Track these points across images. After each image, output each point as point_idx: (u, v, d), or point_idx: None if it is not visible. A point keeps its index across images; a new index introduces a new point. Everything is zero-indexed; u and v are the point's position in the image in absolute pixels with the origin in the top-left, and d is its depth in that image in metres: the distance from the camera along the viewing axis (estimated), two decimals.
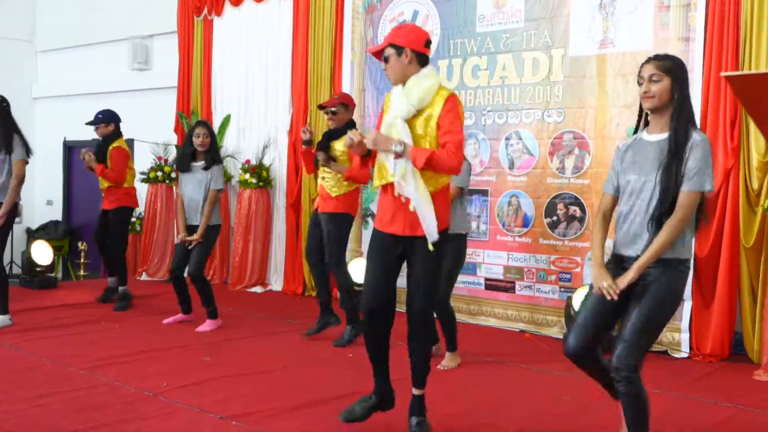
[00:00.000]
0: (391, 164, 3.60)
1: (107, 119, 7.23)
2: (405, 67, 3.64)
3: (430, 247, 3.59)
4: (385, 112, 3.76)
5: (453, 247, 5.03)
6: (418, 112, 3.61)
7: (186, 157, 6.43)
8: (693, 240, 3.23)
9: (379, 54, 3.72)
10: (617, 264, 3.33)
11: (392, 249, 3.72)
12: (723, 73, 5.52)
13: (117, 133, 7.27)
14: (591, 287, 3.39)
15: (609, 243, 3.41)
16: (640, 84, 3.27)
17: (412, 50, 3.63)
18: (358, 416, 3.80)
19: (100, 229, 7.40)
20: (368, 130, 3.74)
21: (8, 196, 6.12)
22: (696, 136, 3.15)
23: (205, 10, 9.36)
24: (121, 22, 10.70)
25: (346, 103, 5.95)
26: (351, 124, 5.88)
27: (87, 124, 7.35)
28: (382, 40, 7.50)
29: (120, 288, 7.31)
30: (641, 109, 3.36)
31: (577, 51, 6.42)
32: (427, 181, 3.58)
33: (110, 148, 7.14)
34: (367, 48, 7.70)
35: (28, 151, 6.27)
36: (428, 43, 3.72)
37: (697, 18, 5.81)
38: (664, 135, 3.23)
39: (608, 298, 3.19)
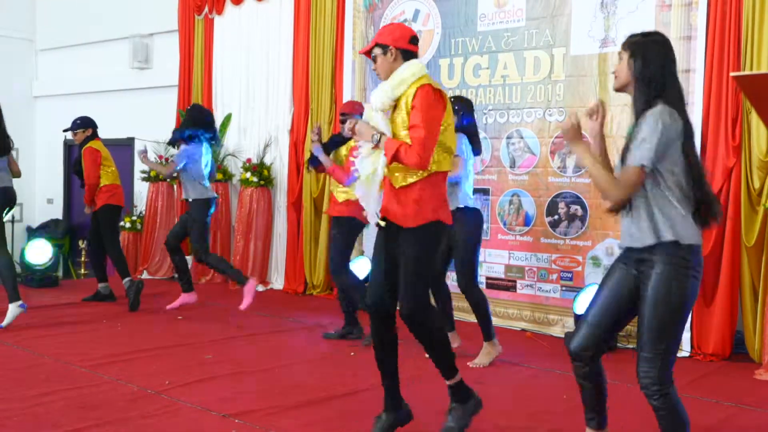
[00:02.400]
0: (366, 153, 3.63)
1: (84, 125, 7.30)
2: (391, 65, 3.67)
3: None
4: None
5: (465, 228, 5.16)
6: (397, 103, 3.62)
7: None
8: (692, 227, 2.97)
9: (369, 54, 3.77)
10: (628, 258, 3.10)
11: (386, 245, 3.69)
12: (733, 74, 5.51)
13: (92, 138, 7.35)
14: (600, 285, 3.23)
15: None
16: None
17: (397, 48, 3.67)
18: None
19: (91, 231, 7.52)
20: None
21: None
22: (653, 109, 2.93)
23: (206, 9, 9.35)
24: (121, 20, 10.69)
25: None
26: None
27: (64, 130, 7.43)
28: None
29: (124, 280, 7.25)
30: None
31: (579, 50, 6.42)
32: (399, 172, 3.59)
33: (82, 149, 7.24)
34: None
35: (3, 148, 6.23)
36: (413, 39, 3.73)
37: (698, 17, 5.81)
38: None
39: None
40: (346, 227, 5.90)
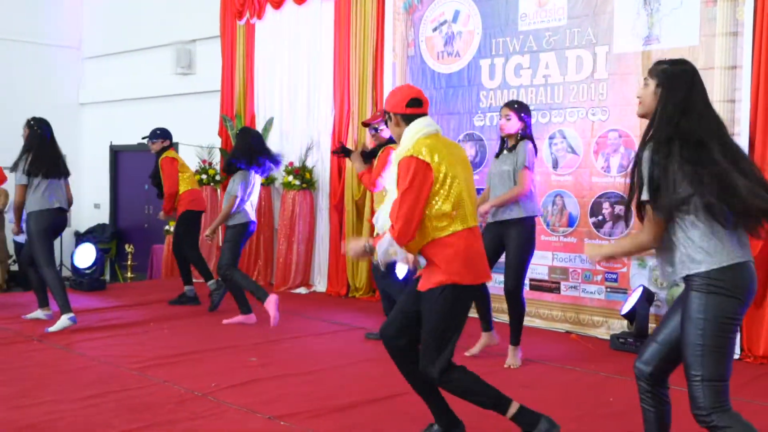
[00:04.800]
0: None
1: (163, 135, 7.48)
2: (396, 130, 3.66)
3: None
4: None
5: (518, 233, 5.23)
6: None
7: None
8: (722, 247, 2.82)
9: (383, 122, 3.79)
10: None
11: (417, 291, 3.60)
12: None
13: (168, 149, 7.53)
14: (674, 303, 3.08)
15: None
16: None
17: (395, 113, 3.65)
18: None
19: (174, 236, 7.67)
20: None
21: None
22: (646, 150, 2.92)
23: (247, 14, 9.44)
24: (164, 27, 10.86)
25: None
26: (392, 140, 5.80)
27: (143, 138, 7.53)
28: (422, 41, 7.57)
29: (209, 282, 7.44)
30: None
31: (622, 48, 6.34)
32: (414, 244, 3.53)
33: (159, 160, 7.39)
34: (409, 48, 7.72)
35: (31, 171, 6.35)
36: (412, 102, 3.63)
37: (745, 12, 5.70)
38: None
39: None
40: None
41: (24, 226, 6.49)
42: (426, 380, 3.58)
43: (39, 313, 6.67)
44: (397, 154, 3.56)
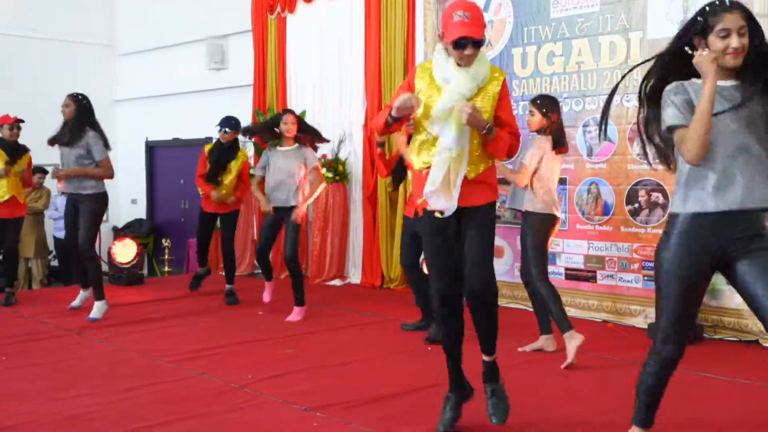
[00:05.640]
0: (451, 140, 3.50)
1: (237, 127, 7.38)
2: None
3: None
4: (430, 87, 3.61)
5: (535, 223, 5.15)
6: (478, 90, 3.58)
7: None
8: None
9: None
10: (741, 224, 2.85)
11: (445, 229, 3.63)
12: None
13: (238, 142, 7.50)
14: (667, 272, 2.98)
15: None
16: (722, 36, 2.89)
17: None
18: (454, 419, 3.77)
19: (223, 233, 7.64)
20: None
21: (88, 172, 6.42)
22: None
23: (278, 8, 9.47)
24: (196, 23, 10.93)
25: None
26: None
27: (217, 125, 7.41)
28: None
29: (228, 286, 7.48)
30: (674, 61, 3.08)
31: (656, 33, 6.24)
32: (481, 160, 3.58)
33: (245, 159, 7.41)
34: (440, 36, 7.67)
35: (107, 146, 6.51)
36: None
37: None
38: (730, 82, 2.93)
39: None
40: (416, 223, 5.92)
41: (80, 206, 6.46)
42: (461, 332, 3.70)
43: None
44: (484, 71, 3.57)
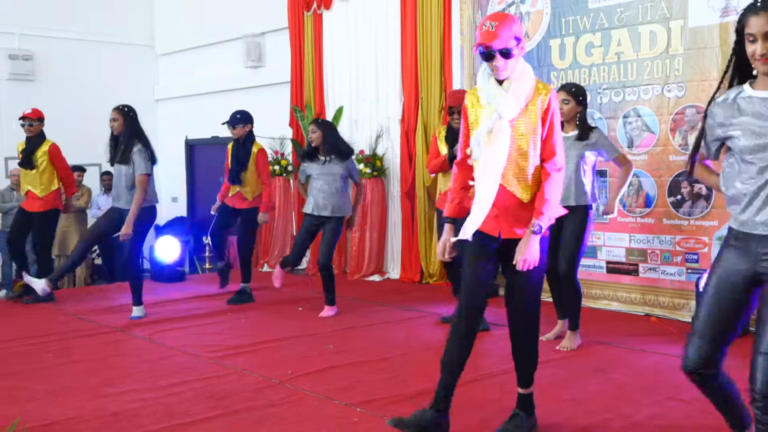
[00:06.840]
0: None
1: (245, 120, 7.11)
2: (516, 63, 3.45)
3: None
4: (474, 107, 3.52)
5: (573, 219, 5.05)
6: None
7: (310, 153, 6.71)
8: None
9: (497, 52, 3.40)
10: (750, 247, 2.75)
11: (485, 249, 3.52)
12: None
13: (253, 135, 7.22)
14: (708, 280, 2.86)
15: None
16: (750, 41, 2.67)
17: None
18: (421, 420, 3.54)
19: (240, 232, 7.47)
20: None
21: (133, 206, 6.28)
22: None
23: (314, 5, 9.49)
24: (234, 21, 11.01)
25: None
26: None
27: (223, 123, 7.24)
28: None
29: (242, 284, 7.35)
30: (736, 65, 2.80)
31: (698, 21, 6.12)
32: (528, 188, 3.46)
33: (255, 151, 7.11)
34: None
35: (152, 159, 6.41)
36: None
37: None
38: None
39: None
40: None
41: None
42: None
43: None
44: (528, 88, 3.42)
